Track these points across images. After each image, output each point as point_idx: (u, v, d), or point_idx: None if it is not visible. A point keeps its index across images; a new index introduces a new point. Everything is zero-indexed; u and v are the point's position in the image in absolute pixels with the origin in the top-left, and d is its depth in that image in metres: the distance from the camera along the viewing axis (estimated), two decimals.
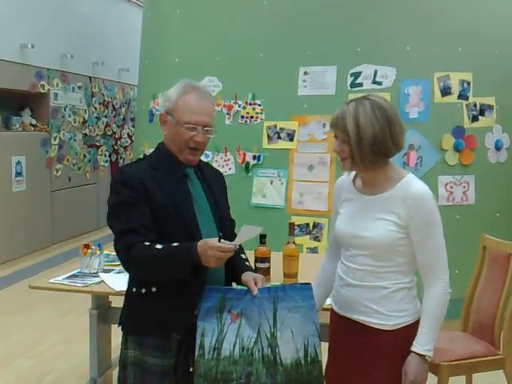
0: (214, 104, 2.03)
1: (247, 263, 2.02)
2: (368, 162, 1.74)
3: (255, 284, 1.83)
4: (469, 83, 4.18)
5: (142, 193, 1.81)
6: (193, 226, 1.86)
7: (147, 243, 1.77)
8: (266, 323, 1.78)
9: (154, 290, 1.85)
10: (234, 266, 1.95)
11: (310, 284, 1.85)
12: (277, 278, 2.67)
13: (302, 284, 1.86)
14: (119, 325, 1.98)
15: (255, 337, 1.78)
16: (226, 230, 1.94)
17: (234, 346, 1.77)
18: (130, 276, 1.95)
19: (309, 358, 1.79)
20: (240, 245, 2.04)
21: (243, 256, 2.04)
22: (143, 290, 1.87)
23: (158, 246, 1.76)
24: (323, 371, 1.86)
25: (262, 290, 1.82)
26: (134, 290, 1.90)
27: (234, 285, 1.89)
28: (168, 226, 1.83)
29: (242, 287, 1.86)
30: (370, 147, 1.71)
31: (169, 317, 1.85)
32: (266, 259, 2.67)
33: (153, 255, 1.76)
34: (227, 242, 1.70)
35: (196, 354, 1.78)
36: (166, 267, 1.77)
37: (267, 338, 1.77)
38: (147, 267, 1.80)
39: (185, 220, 1.85)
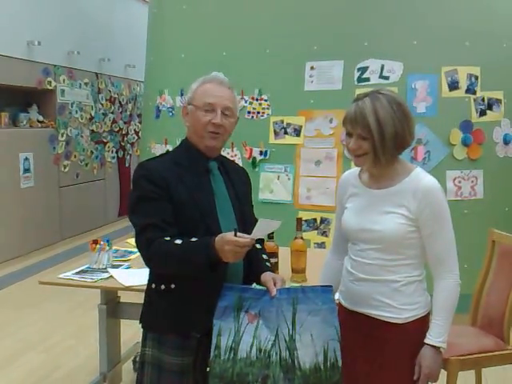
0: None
1: (268, 264, 1.99)
2: (389, 156, 1.75)
3: (274, 284, 1.79)
4: (476, 77, 4.16)
5: (164, 188, 1.80)
6: (213, 223, 1.84)
7: (167, 238, 1.76)
8: (285, 325, 1.74)
9: (172, 286, 1.84)
10: (255, 267, 1.93)
11: (331, 287, 1.81)
12: (284, 273, 2.67)
13: (322, 286, 1.81)
14: (140, 322, 1.97)
15: (273, 339, 1.73)
16: (248, 227, 1.87)
17: (251, 347, 1.73)
18: (150, 272, 1.94)
19: (328, 363, 1.73)
20: (262, 245, 2.05)
21: (264, 256, 2.02)
22: (162, 287, 1.86)
23: (178, 242, 1.75)
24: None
25: (281, 291, 1.77)
26: (154, 286, 1.89)
27: (254, 285, 1.85)
28: (188, 221, 1.81)
29: (261, 287, 1.82)
30: (392, 142, 1.72)
31: (187, 315, 1.83)
32: (274, 254, 2.67)
33: (172, 250, 1.75)
34: (244, 236, 1.67)
35: (212, 353, 1.74)
36: (185, 263, 1.75)
37: (285, 341, 1.73)
38: (166, 262, 1.78)
39: (205, 216, 1.83)
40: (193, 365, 1.86)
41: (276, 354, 1.73)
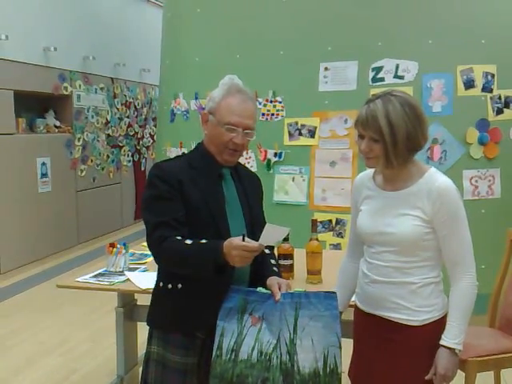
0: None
1: (275, 269, 2.01)
2: (401, 159, 1.74)
3: (279, 289, 1.81)
4: (493, 75, 4.12)
5: (178, 189, 1.84)
6: (223, 227, 1.86)
7: (179, 237, 1.80)
8: (286, 329, 1.76)
9: (179, 286, 1.87)
10: (261, 270, 1.94)
11: (335, 293, 1.81)
12: (300, 275, 2.67)
13: (326, 292, 1.81)
14: (146, 319, 2.00)
15: (275, 342, 1.75)
16: (257, 233, 1.88)
17: (253, 349, 1.75)
18: (158, 270, 1.97)
19: (328, 369, 1.73)
20: (271, 250, 2.06)
21: (272, 261, 2.04)
22: (169, 286, 1.89)
23: (188, 242, 1.78)
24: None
25: (285, 296, 1.79)
26: (161, 284, 1.93)
27: (260, 288, 1.86)
28: (198, 225, 1.84)
29: (266, 291, 1.84)
30: (404, 145, 1.71)
31: (193, 315, 1.86)
32: (289, 256, 2.67)
33: (181, 250, 1.78)
34: (252, 242, 1.68)
35: (213, 354, 1.77)
36: (192, 264, 1.78)
37: (286, 345, 1.74)
38: (175, 261, 1.82)
39: (215, 220, 1.86)
40: (197, 365, 1.88)
41: (277, 357, 1.74)
